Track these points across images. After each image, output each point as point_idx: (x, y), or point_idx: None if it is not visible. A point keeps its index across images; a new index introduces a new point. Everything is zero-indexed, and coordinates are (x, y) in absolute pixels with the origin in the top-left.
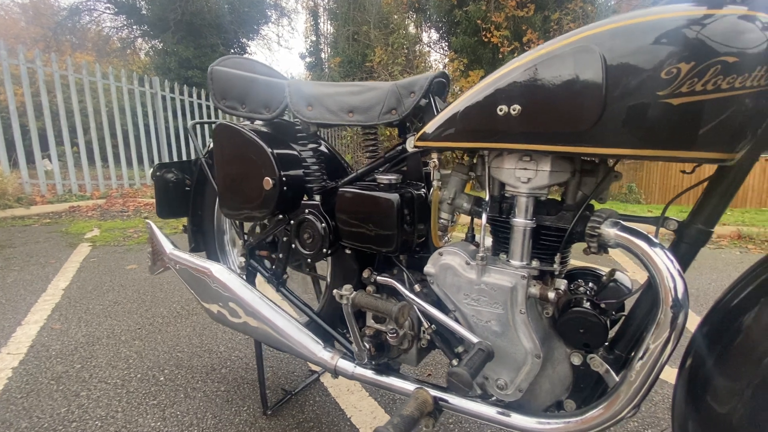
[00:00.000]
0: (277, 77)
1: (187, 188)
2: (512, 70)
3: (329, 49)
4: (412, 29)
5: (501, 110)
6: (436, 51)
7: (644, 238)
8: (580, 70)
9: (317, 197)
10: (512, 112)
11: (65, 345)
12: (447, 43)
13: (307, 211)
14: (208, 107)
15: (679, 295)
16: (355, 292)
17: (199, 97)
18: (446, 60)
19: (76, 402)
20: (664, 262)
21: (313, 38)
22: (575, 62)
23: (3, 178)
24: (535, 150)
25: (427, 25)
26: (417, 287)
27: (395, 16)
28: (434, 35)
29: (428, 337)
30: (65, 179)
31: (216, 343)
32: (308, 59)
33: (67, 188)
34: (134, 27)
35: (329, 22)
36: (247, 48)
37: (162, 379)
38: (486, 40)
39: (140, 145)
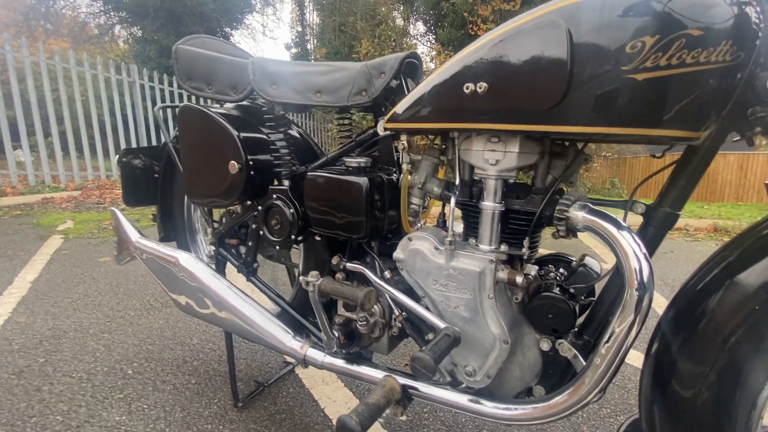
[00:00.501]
0: (245, 58)
1: (156, 175)
2: (480, 46)
3: (315, 40)
4: (399, 21)
5: (467, 88)
6: (423, 44)
7: (612, 221)
8: (545, 45)
9: (286, 182)
10: (479, 90)
11: (29, 339)
12: (434, 36)
13: (275, 196)
14: (188, 97)
15: (645, 278)
16: (321, 279)
17: (179, 87)
18: (433, 53)
19: (38, 397)
20: (631, 245)
21: (299, 29)
22: (541, 37)
23: None
24: (502, 130)
25: (414, 17)
26: (387, 274)
27: (382, 8)
28: (421, 28)
29: (399, 325)
30: (38, 170)
31: (189, 335)
32: (294, 50)
33: (40, 179)
34: (112, 13)
35: (315, 12)
36: (231, 37)
37: (130, 372)
38: (473, 33)
39: (118, 135)
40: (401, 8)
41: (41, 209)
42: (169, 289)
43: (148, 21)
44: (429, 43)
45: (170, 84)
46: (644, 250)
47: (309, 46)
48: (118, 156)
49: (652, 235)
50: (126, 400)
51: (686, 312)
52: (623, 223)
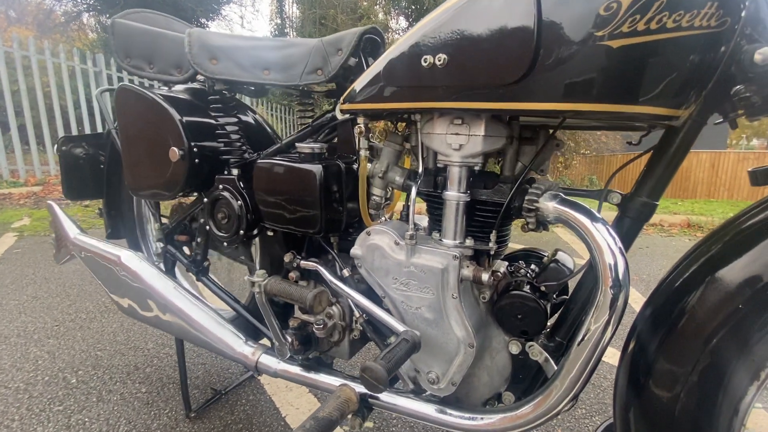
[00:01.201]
0: None
1: (101, 165)
2: (440, 13)
3: (294, 33)
4: (381, 15)
5: (426, 61)
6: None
7: (585, 212)
8: (509, 9)
9: (235, 171)
10: (437, 63)
11: None
12: None
13: (221, 187)
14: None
15: (620, 274)
16: (268, 279)
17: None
18: None
19: None
20: (605, 238)
21: (278, 21)
22: (504, 1)
23: None
24: (465, 109)
25: (396, 11)
26: (346, 272)
27: (364, 2)
28: (403, 22)
29: (360, 328)
30: None
31: (144, 339)
32: None
33: None
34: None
35: (295, 4)
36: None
37: (74, 381)
38: None
39: (83, 128)
40: (382, 2)
41: None
42: (110, 290)
43: (118, 9)
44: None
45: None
46: (620, 243)
47: None
48: (56, 144)
49: (629, 227)
50: (65, 412)
51: (665, 310)
52: (597, 215)
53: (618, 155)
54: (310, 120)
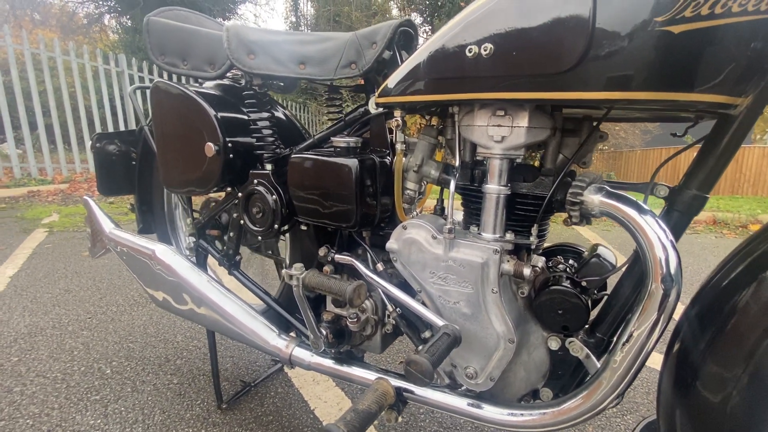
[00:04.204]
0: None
1: (133, 162)
2: (485, 2)
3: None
4: (395, 12)
5: (470, 51)
6: (420, 35)
7: (633, 204)
8: None
9: (269, 166)
10: (483, 53)
11: (3, 337)
12: (430, 27)
13: (255, 182)
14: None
15: (672, 269)
16: (306, 272)
17: (170, 77)
18: None
19: (8, 398)
20: (656, 231)
21: (293, 19)
22: None
23: None
24: (510, 99)
25: (411, 7)
26: (380, 266)
27: None
28: (417, 19)
29: (393, 322)
30: (24, 162)
31: (173, 332)
32: None
33: (27, 172)
34: (101, 2)
35: (310, 2)
36: None
37: (108, 372)
38: None
39: (107, 126)
40: None
41: (26, 203)
42: (145, 283)
43: (138, 10)
44: (426, 34)
45: (160, 74)
46: (671, 237)
47: None
48: (91, 141)
49: (677, 220)
50: (102, 402)
51: (712, 309)
52: (646, 207)
53: (636, 151)
54: (337, 111)
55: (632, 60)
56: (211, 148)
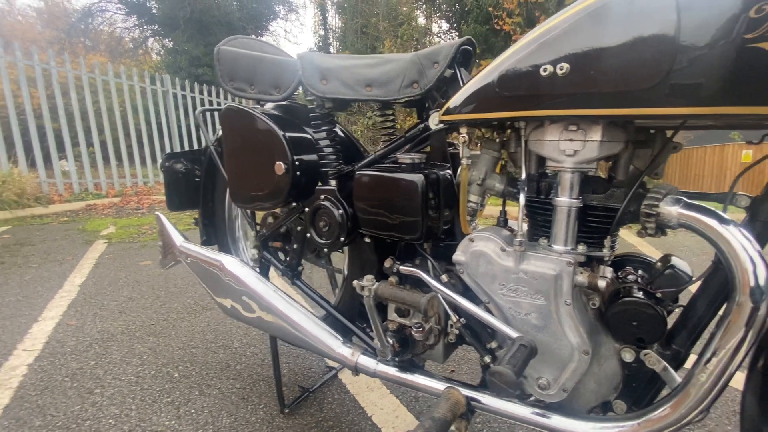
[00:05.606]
0: (284, 56)
1: (197, 179)
2: (559, 23)
3: (338, 43)
4: (421, 20)
5: (545, 70)
6: (446, 41)
7: (714, 215)
8: (646, 16)
9: (333, 182)
10: (559, 72)
11: (80, 341)
12: (457, 33)
13: (322, 197)
14: (218, 103)
15: (761, 281)
16: (377, 284)
17: (209, 94)
18: None
19: (90, 399)
20: (741, 242)
21: (322, 32)
22: (640, 6)
23: (21, 178)
24: (586, 116)
25: (437, 15)
26: (444, 277)
27: (404, 8)
28: (444, 25)
29: (456, 332)
30: (81, 178)
31: (230, 338)
32: None
33: (84, 187)
34: (145, 27)
35: (338, 15)
36: None
37: (176, 375)
38: (498, 28)
39: (153, 143)
40: (423, 7)
41: (85, 215)
42: (214, 293)
43: (179, 32)
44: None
45: (200, 92)
46: (757, 247)
47: (332, 49)
48: (161, 161)
49: (760, 231)
50: (174, 404)
51: None
52: (727, 218)
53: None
54: (389, 126)
55: (720, 76)
56: (281, 166)
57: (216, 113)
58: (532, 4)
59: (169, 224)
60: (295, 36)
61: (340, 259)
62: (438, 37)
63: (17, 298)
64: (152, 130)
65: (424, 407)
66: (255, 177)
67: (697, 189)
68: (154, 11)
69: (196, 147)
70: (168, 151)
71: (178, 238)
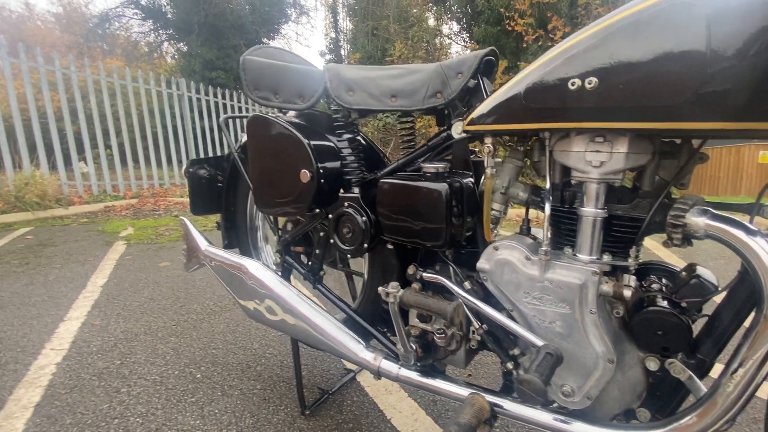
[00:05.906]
0: (307, 65)
1: (219, 184)
2: (587, 38)
3: (349, 46)
4: (432, 22)
5: (573, 84)
6: (457, 42)
7: (741, 226)
8: (675, 29)
9: (356, 190)
10: (587, 86)
11: (105, 341)
12: (468, 34)
13: (346, 204)
14: (232, 107)
15: None
16: (402, 290)
17: (223, 97)
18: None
19: (117, 398)
20: None
21: (333, 35)
22: (669, 21)
23: (43, 180)
24: (613, 129)
25: (448, 16)
26: (467, 284)
27: (414, 10)
28: (455, 26)
29: (478, 338)
30: (100, 180)
31: (250, 339)
32: (328, 56)
33: (102, 189)
34: (160, 31)
35: (348, 18)
36: None
37: (199, 376)
38: (509, 29)
39: (169, 145)
40: (434, 8)
41: (104, 217)
42: (237, 296)
43: (193, 36)
44: (463, 41)
45: (214, 95)
46: None
47: (343, 52)
48: (185, 167)
49: None
50: (198, 404)
51: None
52: (754, 229)
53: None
54: (409, 135)
55: (749, 90)
56: (306, 174)
57: (238, 120)
58: (544, 5)
59: (194, 228)
60: (307, 39)
61: (353, 263)
62: (449, 38)
63: (43, 298)
64: (168, 132)
65: (442, 410)
66: (280, 184)
67: (712, 190)
68: (169, 16)
69: (210, 150)
70: (183, 153)
71: (202, 243)
